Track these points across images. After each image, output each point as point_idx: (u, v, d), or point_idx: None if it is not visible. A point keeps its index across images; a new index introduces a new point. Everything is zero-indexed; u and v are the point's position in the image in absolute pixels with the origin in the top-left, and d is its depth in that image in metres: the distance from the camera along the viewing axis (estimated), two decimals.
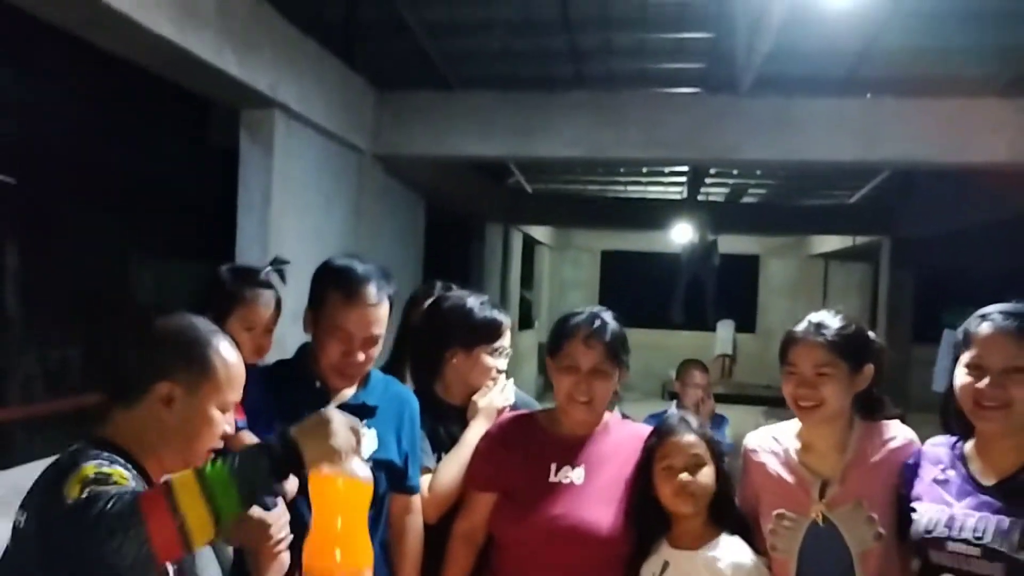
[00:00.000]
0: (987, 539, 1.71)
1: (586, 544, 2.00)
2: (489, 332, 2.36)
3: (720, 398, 6.04)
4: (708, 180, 9.62)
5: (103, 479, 1.32)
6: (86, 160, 5.43)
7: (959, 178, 7.13)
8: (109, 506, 1.24)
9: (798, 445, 2.02)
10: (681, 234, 11.69)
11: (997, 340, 1.74)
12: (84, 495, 1.28)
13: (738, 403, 10.53)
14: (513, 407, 2.39)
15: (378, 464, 2.09)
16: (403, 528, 2.16)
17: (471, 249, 10.00)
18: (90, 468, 1.34)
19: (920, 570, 1.83)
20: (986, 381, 1.73)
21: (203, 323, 1.62)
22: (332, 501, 1.67)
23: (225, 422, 1.58)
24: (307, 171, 4.56)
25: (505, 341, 2.39)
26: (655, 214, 11.04)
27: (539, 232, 13.70)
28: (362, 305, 2.04)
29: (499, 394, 2.33)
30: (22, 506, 1.41)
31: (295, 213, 4.37)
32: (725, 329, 14.91)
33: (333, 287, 2.05)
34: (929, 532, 1.77)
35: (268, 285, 2.21)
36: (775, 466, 2.01)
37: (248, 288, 2.16)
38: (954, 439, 1.89)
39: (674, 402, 4.91)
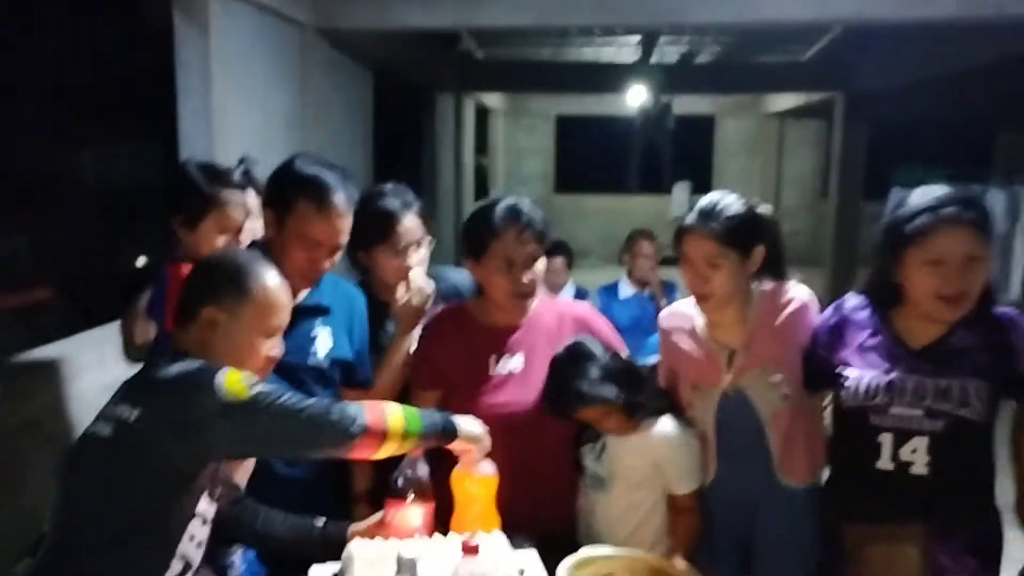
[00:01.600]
0: (928, 400, 1.81)
1: (534, 429, 2.08)
2: (381, 230, 2.26)
3: (676, 260, 6.15)
4: (661, 41, 9.43)
5: (258, 382, 1.54)
6: (17, 45, 5.17)
7: (911, 33, 7.09)
8: (323, 407, 1.56)
9: (704, 320, 2.09)
10: (635, 97, 11.54)
11: (958, 234, 1.77)
12: (259, 393, 1.51)
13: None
14: (450, 294, 2.37)
15: (334, 363, 2.14)
16: None
17: (422, 120, 9.80)
18: (235, 374, 1.53)
19: (853, 429, 1.93)
20: (948, 275, 1.78)
21: (248, 254, 1.77)
22: (470, 492, 1.88)
23: (271, 347, 1.70)
24: (247, 50, 4.38)
25: (412, 234, 2.29)
26: (609, 77, 10.85)
27: (492, 99, 13.44)
28: (333, 216, 2.04)
29: (416, 295, 2.25)
30: (130, 402, 1.52)
31: (238, 94, 4.23)
32: (681, 191, 14.95)
33: (303, 196, 2.03)
34: (871, 398, 1.87)
35: (242, 187, 2.18)
36: (686, 342, 2.10)
37: (224, 191, 2.13)
38: (868, 303, 1.96)
39: (624, 272, 5.00)
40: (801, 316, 2.05)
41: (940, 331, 1.87)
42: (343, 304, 2.21)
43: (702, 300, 2.02)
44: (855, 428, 1.93)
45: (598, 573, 1.81)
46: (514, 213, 2.09)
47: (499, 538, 1.75)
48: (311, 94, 5.25)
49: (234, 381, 1.50)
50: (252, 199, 2.27)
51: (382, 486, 1.92)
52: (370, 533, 1.81)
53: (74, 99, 5.80)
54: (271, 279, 1.69)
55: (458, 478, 1.86)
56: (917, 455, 1.84)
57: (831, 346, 1.99)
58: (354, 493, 2.19)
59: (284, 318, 1.72)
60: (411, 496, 1.82)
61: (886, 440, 1.87)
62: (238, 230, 2.18)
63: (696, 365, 2.08)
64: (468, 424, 1.81)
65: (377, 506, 1.93)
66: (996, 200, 7.04)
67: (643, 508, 2.05)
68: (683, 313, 2.16)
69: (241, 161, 2.27)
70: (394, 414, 1.64)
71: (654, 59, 10.26)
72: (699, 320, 2.11)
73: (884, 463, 1.88)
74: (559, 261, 5.03)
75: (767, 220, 2.04)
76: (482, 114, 13.44)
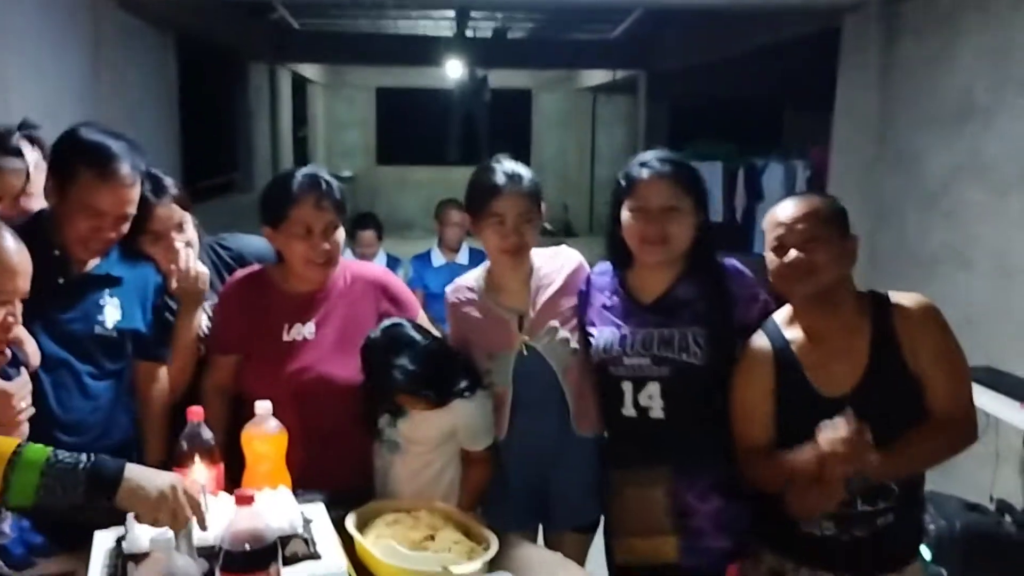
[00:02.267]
0: (654, 348, 2.06)
1: (325, 396, 2.15)
2: (136, 220, 2.17)
3: None
4: (475, 16, 9.58)
5: None
6: None
7: (702, 17, 7.57)
8: None
9: (489, 287, 2.26)
10: (453, 70, 11.66)
11: (655, 184, 2.02)
12: None
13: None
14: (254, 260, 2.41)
15: (122, 333, 2.13)
16: (149, 396, 2.21)
17: (235, 91, 9.49)
18: None
19: (602, 381, 2.16)
20: (648, 220, 2.03)
21: None
22: (258, 451, 1.92)
23: (7, 312, 1.60)
24: (30, 17, 4.13)
25: (167, 221, 2.26)
26: (427, 50, 10.90)
27: (310, 71, 13.16)
28: (116, 185, 2.00)
29: (187, 277, 2.24)
30: None
31: (20, 63, 3.99)
32: None
33: (84, 165, 1.98)
34: (608, 352, 2.10)
35: (19, 152, 2.08)
36: (475, 312, 2.24)
37: None
38: (612, 268, 2.20)
39: (435, 241, 5.14)
40: (578, 276, 2.26)
41: (666, 285, 2.11)
42: (136, 276, 2.19)
43: (514, 254, 2.17)
44: (603, 380, 2.16)
45: (385, 521, 1.92)
46: (313, 181, 2.14)
47: (285, 493, 1.83)
48: (105, 64, 5.01)
49: None
50: (37, 163, 2.18)
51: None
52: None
53: None
54: (7, 241, 1.60)
55: (247, 437, 1.92)
56: (653, 400, 2.07)
57: (582, 308, 2.22)
58: (145, 464, 2.19)
59: (20, 284, 1.63)
60: (197, 458, 1.87)
61: (627, 388, 2.09)
62: (16, 196, 2.10)
63: (489, 333, 2.21)
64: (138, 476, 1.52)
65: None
66: (775, 173, 7.68)
67: (436, 466, 2.16)
68: (468, 285, 2.30)
69: (21, 126, 2.18)
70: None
71: (469, 33, 10.41)
72: (484, 288, 2.26)
73: (628, 410, 2.10)
74: (369, 234, 5.12)
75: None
76: (300, 85, 13.13)
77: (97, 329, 2.08)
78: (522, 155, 15.50)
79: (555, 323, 2.18)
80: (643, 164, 2.05)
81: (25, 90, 3.97)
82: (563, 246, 2.33)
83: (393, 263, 5.19)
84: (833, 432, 1.76)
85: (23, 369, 1.93)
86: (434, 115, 14.20)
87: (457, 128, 13.31)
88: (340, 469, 2.13)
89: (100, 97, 4.85)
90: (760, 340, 1.97)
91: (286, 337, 2.20)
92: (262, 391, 2.02)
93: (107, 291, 2.12)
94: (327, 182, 2.16)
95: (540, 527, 2.34)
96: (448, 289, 2.36)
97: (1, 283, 1.59)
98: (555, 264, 2.25)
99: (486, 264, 2.30)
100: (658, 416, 2.08)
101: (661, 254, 2.06)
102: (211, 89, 8.69)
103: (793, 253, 1.86)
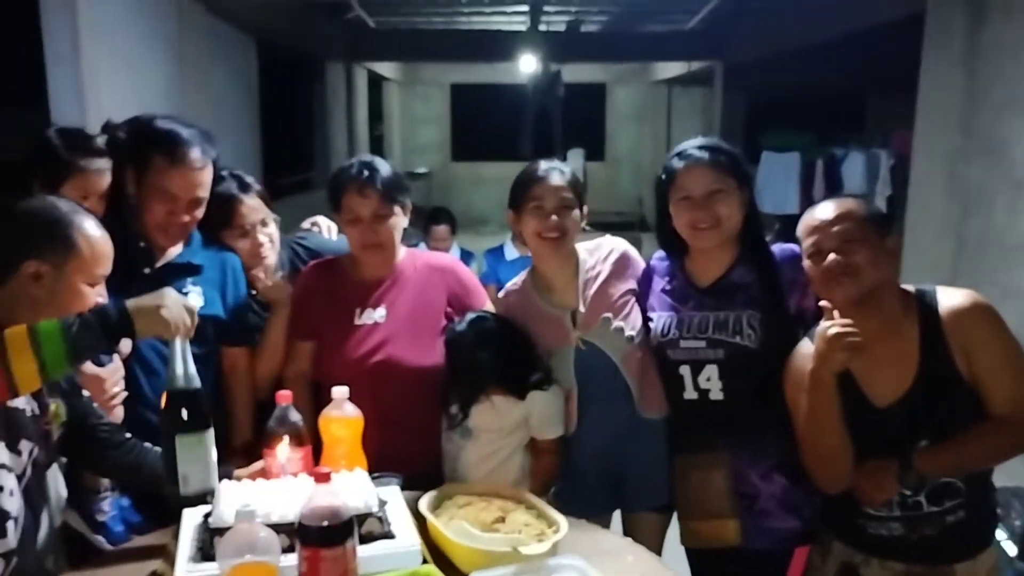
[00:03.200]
0: (710, 331, 2.05)
1: (395, 378, 2.21)
2: (223, 214, 2.33)
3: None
4: (548, 9, 9.57)
5: None
6: None
7: (784, 4, 7.41)
8: None
9: (538, 288, 2.27)
10: (527, 65, 11.66)
11: (694, 171, 2.04)
12: None
13: (591, 230, 10.97)
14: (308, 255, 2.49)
15: (205, 320, 2.22)
16: (234, 380, 2.31)
17: (313, 90, 9.70)
18: None
19: (662, 365, 2.16)
20: (695, 207, 2.03)
21: (65, 203, 1.73)
22: (335, 434, 1.97)
23: (97, 295, 1.72)
24: (119, 16, 4.31)
25: (254, 215, 2.37)
26: (500, 45, 10.93)
27: (385, 68, 13.34)
28: (187, 169, 2.11)
29: (270, 277, 2.37)
30: None
31: (110, 63, 4.17)
32: (575, 159, 15.19)
33: (157, 151, 2.11)
34: (665, 335, 2.11)
35: (104, 152, 2.17)
36: (530, 315, 2.26)
37: (83, 157, 2.12)
38: (668, 255, 2.21)
39: (509, 236, 5.16)
40: (625, 263, 2.27)
41: (721, 269, 2.12)
42: (215, 263, 2.29)
43: (556, 243, 2.21)
44: (663, 365, 2.17)
45: (457, 504, 1.96)
46: (358, 170, 2.22)
47: (361, 475, 1.88)
48: (190, 62, 5.19)
49: None
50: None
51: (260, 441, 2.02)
52: (253, 479, 1.91)
53: None
54: (93, 229, 1.71)
55: (324, 421, 1.98)
56: (712, 382, 2.08)
57: (643, 295, 2.23)
58: (231, 447, 2.28)
59: (107, 267, 1.74)
60: (285, 440, 1.93)
61: (686, 372, 2.10)
62: (100, 195, 2.18)
63: (544, 332, 2.23)
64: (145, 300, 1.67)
65: (254, 459, 2.04)
66: (855, 163, 7.47)
67: (505, 452, 2.19)
68: (516, 288, 2.33)
69: (105, 127, 2.29)
70: (14, 327, 1.51)
71: (542, 27, 10.40)
72: (534, 291, 2.28)
73: (689, 393, 2.12)
74: (443, 228, 5.19)
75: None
76: (376, 83, 13.33)
77: None
78: (596, 150, 15.57)
79: (607, 314, 2.19)
80: (680, 154, 2.08)
81: (116, 88, 4.15)
82: (607, 236, 2.35)
83: (467, 257, 5.24)
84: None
85: (115, 356, 2.04)
86: (508, 111, 14.23)
87: (531, 123, 13.30)
88: (412, 452, 2.18)
89: (186, 96, 5.02)
90: (807, 347, 1.91)
91: (358, 321, 2.26)
92: (336, 375, 2.08)
93: (189, 279, 2.21)
94: (372, 171, 2.22)
95: (616, 515, 2.35)
96: (501, 296, 2.39)
97: (92, 268, 1.69)
98: (600, 255, 2.28)
99: (530, 267, 2.33)
100: (717, 398, 2.08)
101: (715, 238, 2.07)
102: (290, 88, 8.91)
103: (832, 256, 1.82)
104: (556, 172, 2.20)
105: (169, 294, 1.68)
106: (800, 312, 2.03)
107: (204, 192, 2.18)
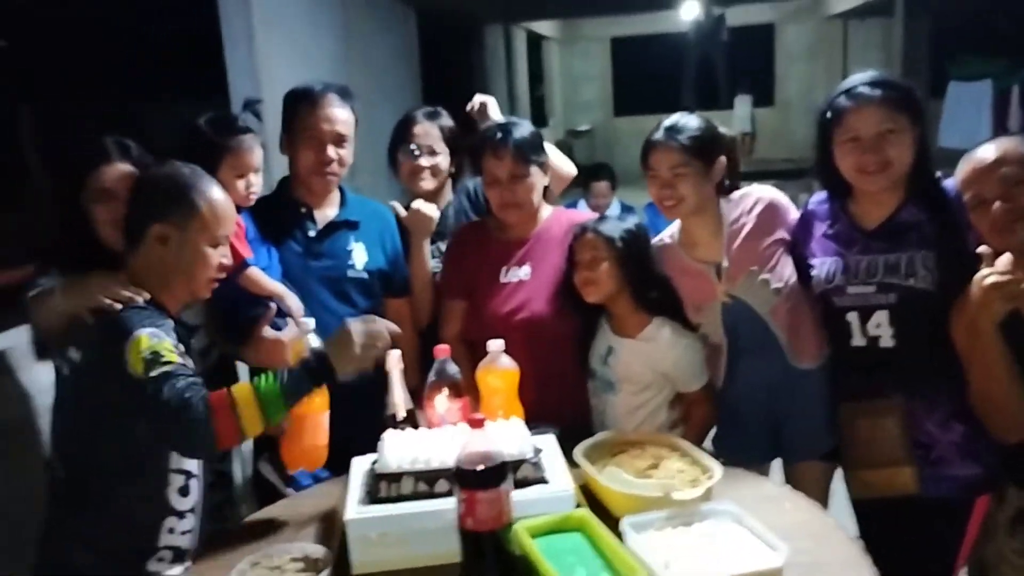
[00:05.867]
0: (880, 276, 1.94)
1: (539, 334, 2.25)
2: (399, 132, 2.59)
3: (743, 176, 6.15)
4: None
5: (160, 357, 1.62)
6: (67, 16, 5.39)
7: None
8: (182, 398, 1.57)
9: (684, 243, 2.22)
10: (688, 11, 11.34)
11: (865, 110, 1.91)
12: (151, 374, 1.59)
13: (762, 179, 10.54)
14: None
15: (372, 273, 2.36)
16: (402, 331, 2.41)
17: (472, 54, 9.85)
18: (145, 340, 1.63)
19: (826, 312, 2.07)
20: (865, 149, 1.91)
21: (186, 167, 1.83)
22: (492, 385, 2.04)
23: (220, 255, 1.83)
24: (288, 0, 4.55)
25: (425, 138, 2.58)
26: None
27: (544, 27, 13.34)
28: (325, 106, 2.30)
29: (425, 208, 2.47)
30: (75, 344, 1.72)
31: (281, 43, 4.41)
32: (742, 106, 14.69)
33: (297, 101, 2.33)
34: (830, 282, 2.01)
35: (248, 130, 2.29)
36: (676, 270, 2.23)
37: (230, 137, 2.24)
38: (829, 196, 2.09)
39: None
40: (772, 213, 2.16)
41: (890, 210, 1.98)
42: (372, 218, 2.45)
43: (670, 210, 2.16)
44: (828, 312, 2.07)
45: (612, 452, 1.98)
46: (491, 133, 2.28)
47: (518, 423, 1.94)
48: (354, 37, 5.41)
49: (137, 350, 1.61)
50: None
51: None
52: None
53: (120, 63, 5.95)
54: (215, 192, 1.81)
55: (482, 373, 2.06)
56: (882, 329, 1.96)
57: (801, 240, 2.13)
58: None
59: (230, 228, 1.86)
60: (444, 391, 2.02)
61: (853, 318, 2.00)
62: (255, 170, 2.29)
63: (691, 288, 2.20)
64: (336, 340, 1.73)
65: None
66: None
67: (650, 406, 2.20)
68: (665, 245, 2.29)
69: (246, 104, 2.40)
70: (237, 386, 1.65)
71: None
72: (680, 246, 2.24)
73: (857, 340, 2.01)
74: (603, 184, 5.19)
75: (727, 136, 2.20)
76: (535, 43, 13.36)
77: (350, 272, 2.35)
78: (765, 95, 14.94)
79: (754, 268, 2.12)
80: (849, 92, 1.95)
81: (288, 70, 4.39)
82: (754, 185, 2.24)
83: (627, 212, 5.20)
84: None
85: (290, 321, 2.20)
86: (670, 61, 13.92)
87: (693, 73, 12.94)
88: (562, 407, 2.21)
89: (351, 68, 5.25)
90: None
91: (504, 279, 2.32)
92: (485, 333, 2.12)
93: (352, 236, 2.36)
94: (507, 132, 2.25)
95: (778, 466, 2.30)
96: (655, 239, 2.35)
97: (214, 229, 1.81)
98: (744, 206, 2.18)
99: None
100: (888, 345, 1.97)
101: (883, 181, 1.94)
102: (450, 55, 9.07)
103: (997, 205, 1.69)
104: (672, 137, 2.11)
105: (353, 329, 1.72)
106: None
107: (346, 129, 2.33)
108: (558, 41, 15.12)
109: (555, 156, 2.50)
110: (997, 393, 1.74)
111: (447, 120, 2.66)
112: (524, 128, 2.30)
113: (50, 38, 5.39)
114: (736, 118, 14.80)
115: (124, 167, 1.99)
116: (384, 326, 1.76)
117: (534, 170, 2.29)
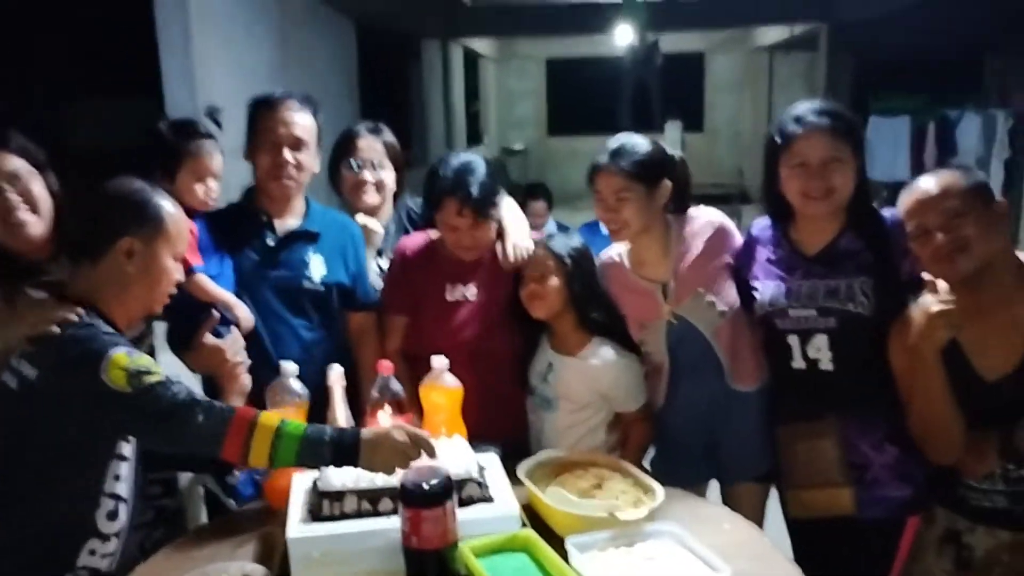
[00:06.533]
0: (820, 300, 2.00)
1: (481, 353, 2.25)
2: (343, 145, 2.59)
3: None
4: None
5: (144, 370, 1.58)
6: None
7: None
8: (186, 399, 1.57)
9: (631, 261, 2.25)
10: (623, 36, 11.52)
11: (813, 137, 1.96)
12: (137, 385, 1.56)
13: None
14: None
15: (329, 287, 2.33)
16: (364, 344, 2.39)
17: (409, 68, 9.83)
18: (123, 358, 1.58)
19: (768, 335, 2.12)
20: (810, 175, 1.97)
21: (147, 184, 1.82)
22: (436, 402, 2.04)
23: (177, 271, 1.82)
24: (226, 5, 4.48)
25: (368, 153, 2.57)
26: (596, 17, 10.84)
27: (481, 45, 13.41)
28: (283, 110, 2.29)
29: (370, 224, 2.51)
30: (29, 361, 1.64)
31: (218, 48, 4.34)
32: (673, 130, 14.94)
33: (258, 107, 2.32)
34: (773, 305, 2.06)
35: (209, 135, 2.29)
36: (622, 286, 2.25)
37: (191, 142, 2.23)
38: (772, 222, 2.14)
39: None
40: (719, 237, 2.21)
41: (830, 236, 2.05)
42: (334, 231, 2.40)
43: (614, 233, 2.18)
44: (769, 334, 2.12)
45: (554, 471, 1.99)
46: (455, 184, 2.20)
47: (460, 442, 1.93)
48: (292, 45, 5.35)
49: (117, 367, 1.57)
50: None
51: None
52: None
53: (49, 57, 5.78)
54: (173, 208, 1.81)
55: (425, 389, 2.04)
56: (821, 352, 2.02)
57: (744, 264, 2.18)
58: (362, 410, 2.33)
59: (185, 244, 1.86)
60: (387, 408, 1.99)
61: (794, 341, 2.05)
62: (214, 175, 2.28)
63: (637, 305, 2.22)
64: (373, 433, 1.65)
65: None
66: (971, 125, 7.11)
67: (588, 425, 2.22)
68: (612, 262, 2.31)
69: (208, 111, 2.38)
70: (267, 413, 1.64)
71: None
72: (627, 263, 2.26)
73: (797, 362, 2.06)
74: (540, 204, 5.21)
75: (675, 158, 2.22)
76: (472, 60, 13.42)
77: (305, 283, 2.31)
78: (694, 121, 15.25)
79: (700, 289, 2.16)
80: (798, 119, 2.00)
81: (225, 76, 4.32)
82: (701, 207, 2.27)
83: (562, 231, 5.24)
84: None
85: (233, 328, 2.16)
86: (605, 84, 14.11)
87: (628, 96, 13.16)
88: (502, 425, 2.20)
89: (289, 78, 5.18)
90: (914, 316, 1.83)
91: (449, 297, 2.31)
92: (428, 350, 2.10)
93: (310, 247, 2.33)
94: (468, 187, 2.19)
95: (715, 486, 2.34)
96: (601, 254, 2.36)
97: (177, 243, 1.80)
98: (693, 228, 2.21)
99: None
100: (827, 368, 2.03)
101: (826, 207, 2.00)
102: (387, 68, 9.04)
103: (940, 236, 1.76)
104: (615, 160, 2.12)
105: (396, 435, 1.63)
106: (913, 277, 1.96)
107: (304, 134, 2.31)
108: (494, 60, 15.21)
109: (511, 216, 2.41)
110: (935, 416, 1.80)
111: (389, 136, 2.65)
112: (482, 174, 2.22)
113: None
114: (667, 142, 14.95)
115: (3, 156, 1.89)
116: (428, 441, 1.66)
117: (493, 215, 2.28)
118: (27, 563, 1.68)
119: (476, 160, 2.28)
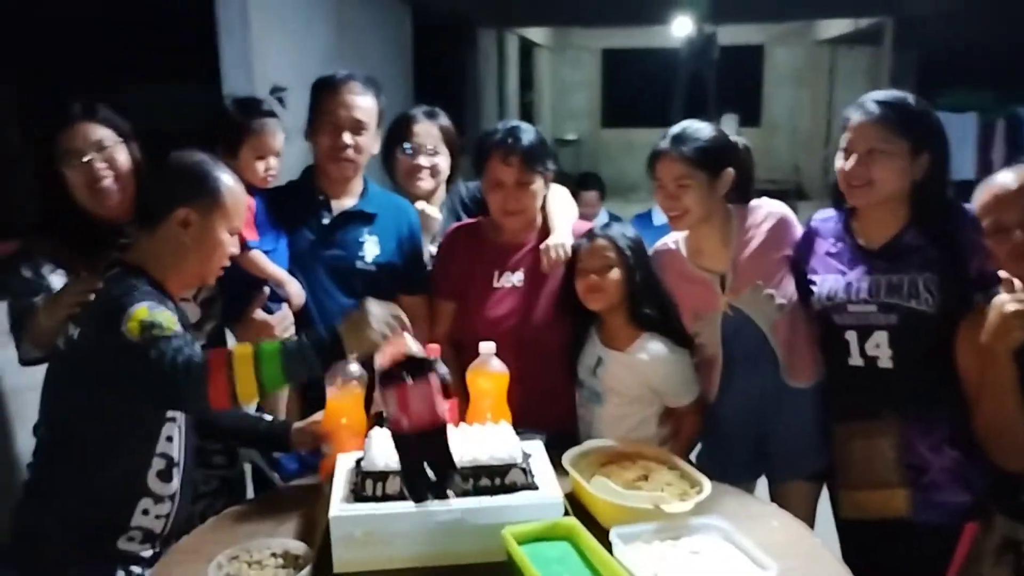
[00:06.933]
0: (881, 296, 1.94)
1: (529, 341, 2.23)
2: (398, 129, 2.56)
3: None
4: None
5: (158, 325, 1.59)
6: None
7: None
8: (178, 357, 1.53)
9: (689, 250, 2.20)
10: (680, 28, 11.37)
11: (863, 125, 1.92)
12: (146, 336, 1.56)
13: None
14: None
15: (381, 267, 2.33)
16: (415, 329, 2.38)
17: (464, 57, 9.82)
18: (143, 311, 1.60)
19: (825, 330, 2.06)
20: (852, 162, 1.92)
21: (210, 157, 1.86)
22: (482, 388, 2.02)
23: (232, 244, 1.85)
24: None
25: (424, 138, 2.55)
26: (653, 7, 10.70)
27: (536, 34, 13.35)
28: (345, 92, 2.30)
29: (428, 210, 2.51)
30: (75, 322, 1.72)
31: (275, 31, 4.37)
32: (728, 124, 14.74)
33: (321, 88, 2.33)
34: (831, 299, 2.00)
35: (272, 114, 2.33)
36: (679, 276, 2.20)
37: (255, 119, 2.28)
38: (838, 214, 2.08)
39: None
40: (781, 229, 2.15)
41: (894, 231, 1.98)
42: (390, 213, 2.42)
43: (674, 221, 2.13)
44: (826, 330, 2.06)
45: (600, 461, 1.96)
46: (502, 137, 2.22)
47: (506, 427, 1.91)
48: (347, 30, 5.37)
49: (136, 319, 1.58)
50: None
51: None
52: (311, 431, 2.00)
53: (111, 42, 5.90)
54: (234, 181, 1.83)
55: (472, 374, 2.03)
56: (881, 349, 1.96)
57: (803, 257, 2.12)
58: None
59: (242, 219, 1.88)
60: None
61: (852, 337, 1.99)
62: (275, 153, 2.31)
63: (693, 295, 2.18)
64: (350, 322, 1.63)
65: None
66: None
67: (637, 418, 2.18)
68: (669, 250, 2.27)
69: (272, 90, 2.43)
70: (240, 344, 1.65)
71: None
72: (685, 253, 2.22)
73: (855, 359, 2.00)
74: (592, 194, 5.17)
75: (736, 146, 2.16)
76: (527, 49, 13.37)
77: (359, 264, 2.33)
78: (751, 115, 15.00)
79: (759, 281, 2.11)
80: (860, 104, 1.96)
81: (280, 59, 4.35)
82: (764, 199, 2.22)
83: (614, 222, 5.20)
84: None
85: (284, 305, 2.18)
86: (660, 76, 13.93)
87: (683, 89, 12.98)
88: (549, 415, 2.18)
89: (343, 61, 5.19)
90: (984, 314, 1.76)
91: (496, 284, 2.29)
92: (475, 337, 2.10)
93: (366, 229, 2.34)
94: (516, 138, 2.21)
95: (764, 482, 2.30)
96: (658, 243, 2.33)
97: (232, 218, 1.82)
98: (755, 219, 2.16)
99: None
100: (886, 366, 1.97)
101: (864, 197, 1.95)
102: (442, 55, 9.03)
103: (1019, 233, 1.69)
104: (677, 146, 2.07)
105: (372, 310, 1.62)
106: (981, 276, 1.89)
107: (365, 116, 2.32)
108: (550, 49, 15.14)
109: (559, 201, 2.40)
110: (1005, 418, 1.74)
111: (445, 120, 2.65)
112: (532, 134, 2.26)
113: (37, 18, 5.30)
114: None
115: (91, 126, 2.03)
116: (400, 312, 1.67)
117: (539, 178, 2.26)
118: (84, 521, 1.72)
119: (525, 125, 2.32)
